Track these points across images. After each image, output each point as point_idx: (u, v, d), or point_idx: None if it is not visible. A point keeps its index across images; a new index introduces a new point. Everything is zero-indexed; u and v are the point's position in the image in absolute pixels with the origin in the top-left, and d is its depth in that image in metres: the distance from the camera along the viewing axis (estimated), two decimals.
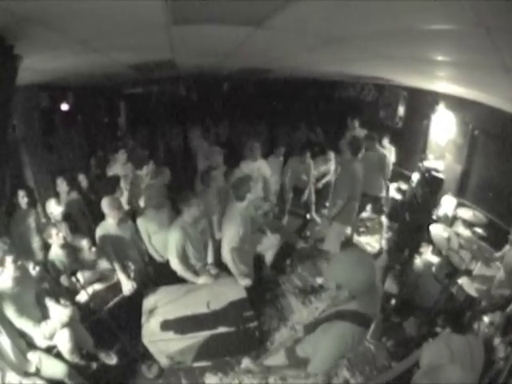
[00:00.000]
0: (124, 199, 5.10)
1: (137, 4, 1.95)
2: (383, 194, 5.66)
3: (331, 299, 2.27)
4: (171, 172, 5.49)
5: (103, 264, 4.07)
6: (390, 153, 6.41)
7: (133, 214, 4.50)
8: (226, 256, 4.00)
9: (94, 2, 1.83)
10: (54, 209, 4.32)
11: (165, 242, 4.08)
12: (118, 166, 5.89)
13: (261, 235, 4.78)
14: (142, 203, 5.10)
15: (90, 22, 2.23)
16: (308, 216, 6.77)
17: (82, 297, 3.61)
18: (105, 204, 3.90)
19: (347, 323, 2.02)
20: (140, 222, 4.24)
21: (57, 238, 3.71)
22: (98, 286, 3.82)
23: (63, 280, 3.57)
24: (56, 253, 3.73)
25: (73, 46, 2.83)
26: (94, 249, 3.86)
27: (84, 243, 3.84)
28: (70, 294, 3.62)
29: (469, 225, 4.85)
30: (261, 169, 5.73)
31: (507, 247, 3.79)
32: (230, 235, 3.98)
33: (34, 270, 3.42)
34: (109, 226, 3.96)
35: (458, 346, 2.49)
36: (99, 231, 3.93)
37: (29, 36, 2.23)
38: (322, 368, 2.16)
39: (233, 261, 3.98)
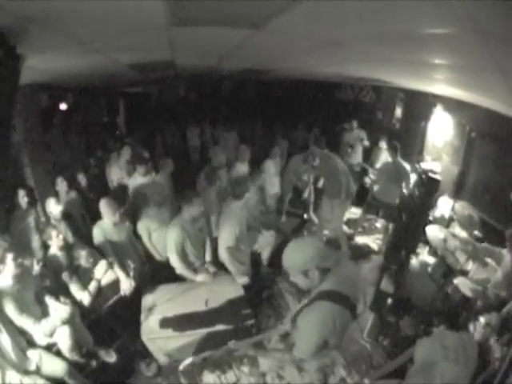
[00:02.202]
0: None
1: (138, 5, 1.97)
2: (396, 202, 5.68)
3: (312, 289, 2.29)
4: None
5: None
6: (387, 154, 6.48)
7: (131, 215, 4.53)
8: (223, 254, 4.04)
9: (96, 2, 1.86)
10: (54, 208, 4.33)
11: (165, 239, 4.11)
12: (122, 162, 5.93)
13: (257, 233, 4.81)
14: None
15: (92, 22, 2.25)
16: (305, 216, 6.80)
17: (84, 295, 3.63)
18: (103, 205, 3.93)
19: (325, 302, 2.08)
20: (141, 220, 4.28)
21: (57, 239, 3.72)
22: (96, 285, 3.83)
23: (64, 276, 3.59)
24: (55, 254, 3.74)
25: (74, 46, 2.85)
26: (91, 259, 3.86)
27: (83, 253, 3.84)
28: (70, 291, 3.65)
29: (465, 226, 4.88)
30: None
31: (504, 249, 3.81)
32: (225, 234, 4.01)
33: (37, 265, 3.44)
34: (105, 225, 3.99)
35: (451, 342, 2.52)
36: (96, 230, 3.96)
37: (31, 36, 2.25)
38: (305, 350, 2.17)
39: (229, 259, 4.01)
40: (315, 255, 2.10)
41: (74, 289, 3.59)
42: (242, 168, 5.55)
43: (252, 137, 8.90)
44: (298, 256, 2.16)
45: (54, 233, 3.72)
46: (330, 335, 2.12)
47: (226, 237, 4.00)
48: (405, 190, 5.62)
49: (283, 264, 2.23)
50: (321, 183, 6.34)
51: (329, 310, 2.06)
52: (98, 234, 3.95)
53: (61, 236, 3.75)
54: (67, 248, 3.84)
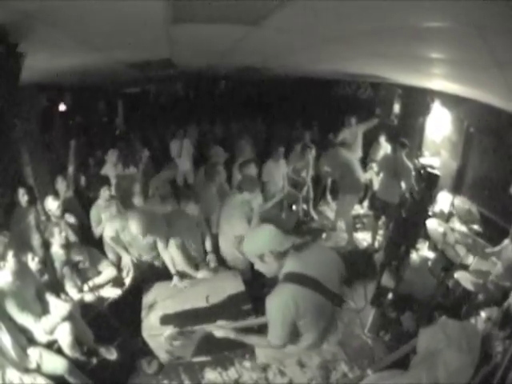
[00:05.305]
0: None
1: (136, 3, 1.99)
2: (397, 200, 5.56)
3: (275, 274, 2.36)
4: None
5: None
6: (386, 150, 6.49)
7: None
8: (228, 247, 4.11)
9: (96, 1, 1.88)
10: (52, 205, 4.32)
11: None
12: (109, 166, 5.95)
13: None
14: (136, 201, 5.17)
15: (92, 20, 2.27)
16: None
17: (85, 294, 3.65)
18: None
19: (287, 284, 2.12)
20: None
21: (59, 237, 3.73)
22: (98, 280, 3.86)
23: (65, 270, 3.60)
24: (56, 252, 3.75)
25: (74, 44, 2.87)
26: (90, 263, 3.91)
27: (86, 261, 3.89)
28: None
29: (464, 221, 4.90)
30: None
31: (506, 242, 3.82)
32: (231, 226, 4.07)
33: (33, 260, 3.44)
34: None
35: (453, 330, 2.52)
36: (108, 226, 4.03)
37: (32, 34, 2.27)
38: (275, 335, 2.17)
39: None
40: (268, 240, 2.17)
41: (72, 285, 3.61)
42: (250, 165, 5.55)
43: (250, 135, 8.87)
44: (252, 242, 2.25)
45: (56, 229, 3.71)
46: (296, 318, 2.10)
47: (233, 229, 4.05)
48: (404, 186, 5.57)
49: (243, 252, 2.35)
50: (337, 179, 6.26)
51: (289, 292, 2.07)
52: (111, 230, 4.00)
53: (63, 234, 3.75)
54: (68, 246, 3.85)
